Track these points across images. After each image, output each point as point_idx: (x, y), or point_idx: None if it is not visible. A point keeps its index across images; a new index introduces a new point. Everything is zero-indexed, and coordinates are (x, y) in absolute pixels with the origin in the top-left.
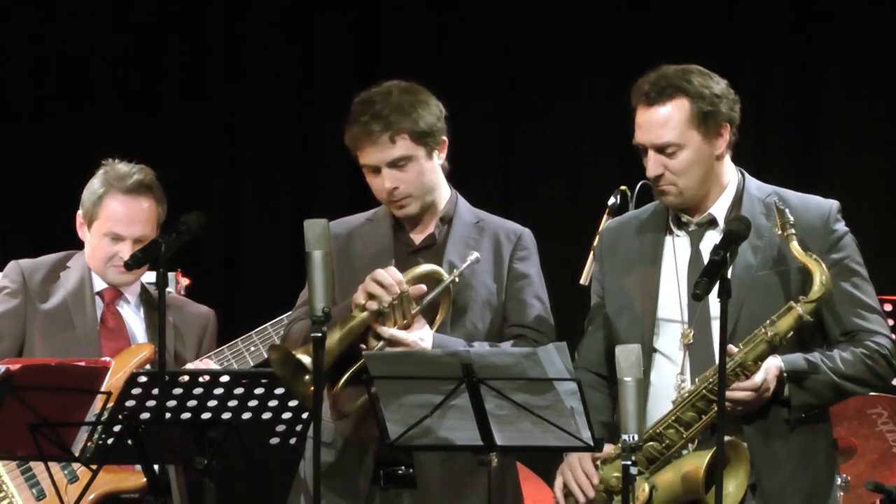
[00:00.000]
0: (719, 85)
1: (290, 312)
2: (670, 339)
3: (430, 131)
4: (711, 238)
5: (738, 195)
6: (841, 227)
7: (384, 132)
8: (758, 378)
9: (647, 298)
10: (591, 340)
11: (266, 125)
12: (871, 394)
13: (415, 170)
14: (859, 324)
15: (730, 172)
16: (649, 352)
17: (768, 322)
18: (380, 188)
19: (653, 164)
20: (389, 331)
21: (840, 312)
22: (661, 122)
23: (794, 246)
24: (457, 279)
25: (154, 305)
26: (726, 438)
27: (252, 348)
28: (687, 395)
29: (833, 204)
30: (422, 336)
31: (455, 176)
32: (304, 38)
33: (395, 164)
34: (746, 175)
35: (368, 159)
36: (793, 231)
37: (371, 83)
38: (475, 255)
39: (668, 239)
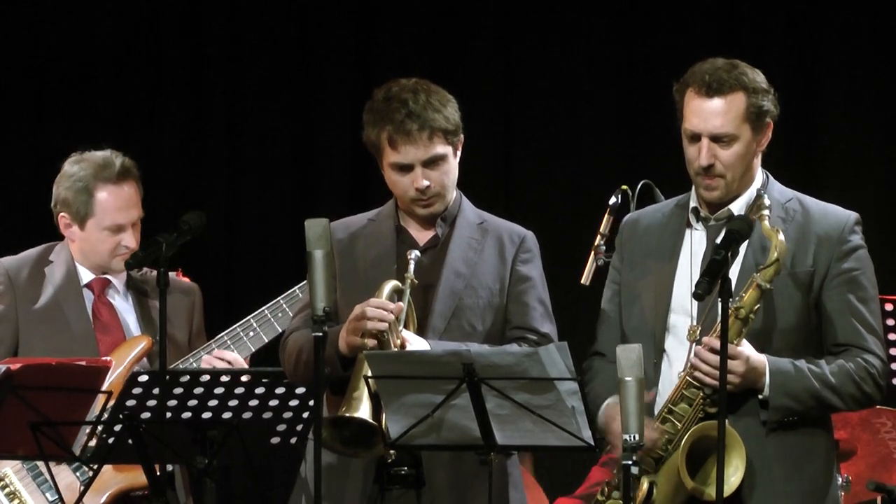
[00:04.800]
0: (766, 82)
1: (287, 293)
2: (680, 334)
3: (456, 130)
4: None
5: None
6: (856, 239)
7: (423, 130)
8: (741, 348)
9: (661, 292)
10: (613, 322)
11: (266, 124)
12: (877, 406)
13: (445, 168)
14: (855, 339)
15: (758, 172)
16: (660, 347)
17: (737, 297)
18: (408, 187)
19: (706, 154)
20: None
21: (837, 322)
22: (722, 111)
23: (765, 224)
24: (415, 281)
25: (142, 291)
26: (711, 423)
27: (251, 333)
28: (675, 387)
29: (852, 215)
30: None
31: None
32: (303, 38)
33: (431, 162)
34: (771, 178)
35: (403, 157)
36: (766, 213)
37: (370, 83)
38: (415, 253)
39: (688, 233)
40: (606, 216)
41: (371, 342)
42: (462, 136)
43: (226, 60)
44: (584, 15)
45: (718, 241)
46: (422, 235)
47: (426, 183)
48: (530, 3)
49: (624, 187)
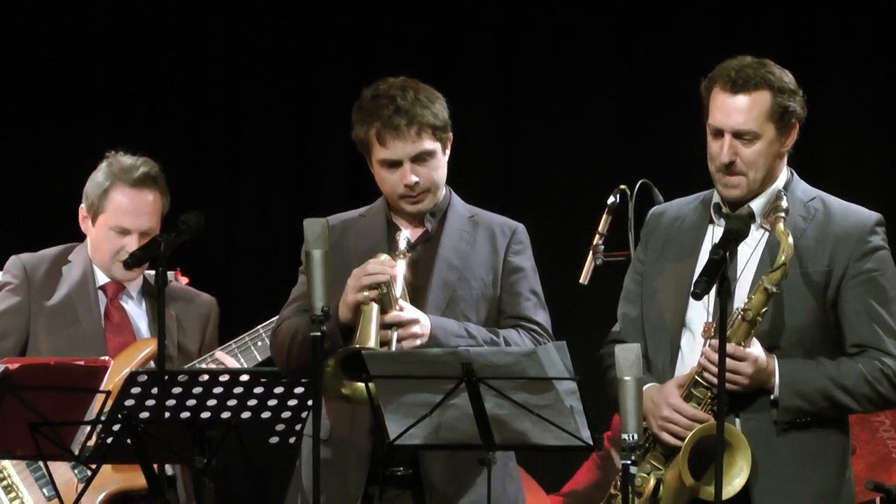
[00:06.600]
0: (794, 83)
1: None
2: (696, 330)
3: (444, 126)
4: None
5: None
6: (877, 240)
7: (410, 126)
8: (749, 350)
9: (680, 287)
10: (636, 311)
11: (266, 124)
12: None
13: (433, 164)
14: (873, 340)
15: (782, 171)
16: (675, 343)
17: (746, 300)
18: (396, 183)
19: (727, 150)
20: (391, 315)
21: (855, 323)
22: (746, 108)
23: (779, 227)
24: (407, 254)
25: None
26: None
27: (259, 343)
28: (684, 387)
29: (873, 216)
30: (417, 315)
31: (455, 176)
32: (303, 38)
33: (419, 158)
34: (796, 176)
35: (392, 153)
36: (782, 215)
37: (370, 83)
38: (404, 233)
39: (709, 228)
40: (605, 216)
41: (372, 293)
42: (451, 134)
43: (226, 60)
44: (584, 15)
45: (717, 241)
46: (413, 232)
47: (415, 179)
48: (530, 3)
49: (622, 187)
